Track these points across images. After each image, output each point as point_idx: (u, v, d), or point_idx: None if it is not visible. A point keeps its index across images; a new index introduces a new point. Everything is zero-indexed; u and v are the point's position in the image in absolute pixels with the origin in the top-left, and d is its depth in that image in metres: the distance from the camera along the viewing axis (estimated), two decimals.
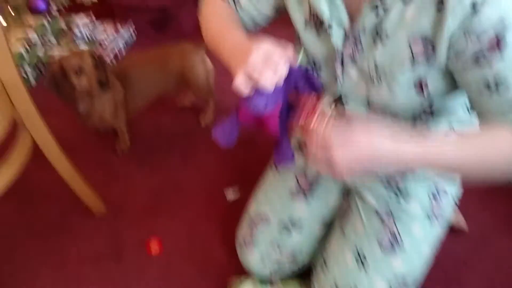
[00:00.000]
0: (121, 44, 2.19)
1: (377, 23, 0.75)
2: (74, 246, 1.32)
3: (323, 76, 0.89)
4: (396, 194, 0.98)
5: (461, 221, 1.22)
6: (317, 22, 0.84)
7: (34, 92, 1.13)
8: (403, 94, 0.79)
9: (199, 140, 1.69)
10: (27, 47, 2.02)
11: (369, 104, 0.85)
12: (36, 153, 1.18)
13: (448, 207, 1.00)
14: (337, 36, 0.80)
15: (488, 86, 0.69)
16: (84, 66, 1.35)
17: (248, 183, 1.44)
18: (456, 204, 1.02)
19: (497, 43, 0.65)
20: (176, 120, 1.80)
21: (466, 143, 0.70)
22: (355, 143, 0.66)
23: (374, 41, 0.76)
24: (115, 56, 2.15)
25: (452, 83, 0.76)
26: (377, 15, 0.73)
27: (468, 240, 1.21)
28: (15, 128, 1.14)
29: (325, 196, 1.10)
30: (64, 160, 1.20)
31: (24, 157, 1.09)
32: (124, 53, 2.21)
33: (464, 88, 0.73)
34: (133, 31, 2.29)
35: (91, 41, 2.14)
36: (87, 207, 1.38)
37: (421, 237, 0.96)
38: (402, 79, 0.76)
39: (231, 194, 1.43)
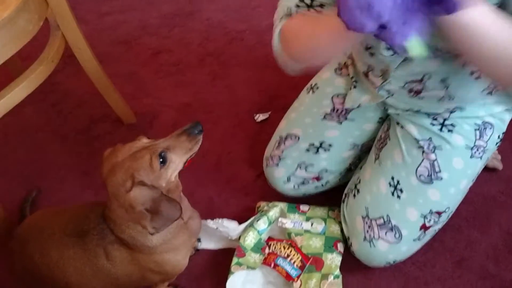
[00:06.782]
0: None
1: None
2: (102, 153, 1.33)
3: None
4: (441, 126, 0.94)
5: (496, 159, 1.18)
6: None
7: None
8: None
9: (229, 61, 1.64)
10: None
11: None
12: (68, 63, 1.16)
13: (492, 142, 0.95)
14: None
15: None
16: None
17: (278, 108, 1.41)
18: (500, 139, 0.98)
19: None
20: (205, 38, 1.75)
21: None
22: None
23: None
24: None
25: None
26: None
27: (501, 180, 1.18)
28: (47, 30, 1.11)
29: (361, 121, 1.07)
30: (95, 64, 1.18)
31: (55, 54, 1.06)
32: None
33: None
34: None
35: None
36: (117, 117, 1.38)
37: (460, 170, 0.93)
38: None
39: (260, 118, 1.41)
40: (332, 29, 0.70)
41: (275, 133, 1.15)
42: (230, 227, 1.05)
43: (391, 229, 0.92)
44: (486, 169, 1.17)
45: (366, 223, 0.94)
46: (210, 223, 1.06)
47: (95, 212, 0.81)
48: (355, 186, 1.01)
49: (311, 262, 0.97)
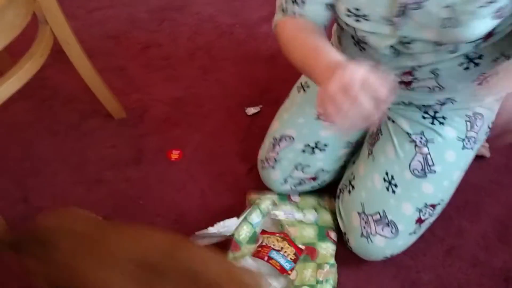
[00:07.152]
0: None
1: None
2: (93, 148, 1.33)
3: (371, 25, 0.80)
4: (432, 119, 0.95)
5: (483, 147, 1.20)
6: None
7: None
8: (481, 25, 0.71)
9: (220, 55, 1.63)
10: None
11: (437, 44, 0.79)
12: (57, 58, 1.15)
13: (482, 132, 0.97)
14: None
15: None
16: None
17: (269, 102, 1.41)
18: (489, 128, 0.99)
19: None
20: (195, 32, 1.74)
21: None
22: None
23: None
24: None
25: None
26: None
27: (490, 168, 1.19)
28: (36, 26, 1.10)
29: None
30: (84, 59, 1.17)
31: (44, 49, 1.05)
32: None
33: None
34: None
35: None
36: (108, 113, 1.37)
37: (453, 162, 0.94)
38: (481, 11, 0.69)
39: (251, 112, 1.41)
40: (322, 74, 0.69)
41: (267, 134, 1.14)
42: (231, 224, 1.03)
43: (388, 225, 0.92)
44: (475, 157, 1.19)
45: (363, 219, 0.94)
46: (211, 229, 1.02)
47: (181, 254, 0.69)
48: (350, 182, 1.01)
49: (305, 252, 0.98)
